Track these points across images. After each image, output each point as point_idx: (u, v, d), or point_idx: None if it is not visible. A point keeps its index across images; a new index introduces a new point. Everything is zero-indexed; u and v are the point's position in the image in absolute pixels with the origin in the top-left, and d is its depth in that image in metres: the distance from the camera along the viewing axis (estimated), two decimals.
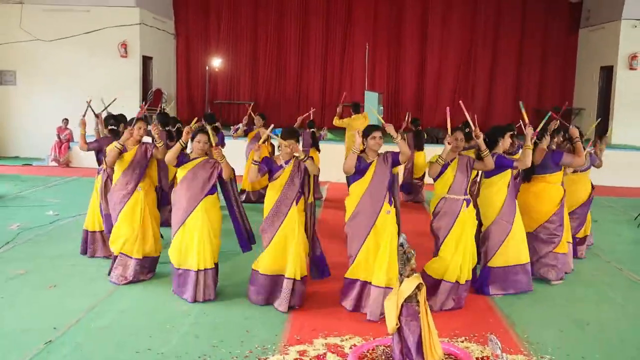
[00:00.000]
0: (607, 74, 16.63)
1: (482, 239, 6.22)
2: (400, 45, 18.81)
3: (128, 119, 7.21)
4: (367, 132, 5.53)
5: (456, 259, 5.70)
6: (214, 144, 5.72)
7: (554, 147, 6.73)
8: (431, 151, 10.24)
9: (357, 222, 5.50)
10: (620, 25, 15.74)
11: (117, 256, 6.26)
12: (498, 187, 6.10)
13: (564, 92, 18.77)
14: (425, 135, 12.34)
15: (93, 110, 7.58)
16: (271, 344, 4.84)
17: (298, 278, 5.56)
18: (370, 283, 5.46)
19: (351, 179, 5.61)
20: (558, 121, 7.21)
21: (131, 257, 6.21)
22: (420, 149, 10.99)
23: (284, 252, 5.58)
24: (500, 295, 6.07)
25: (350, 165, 5.45)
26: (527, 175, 6.61)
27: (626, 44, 15.75)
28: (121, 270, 6.21)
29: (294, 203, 5.57)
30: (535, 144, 6.32)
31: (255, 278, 5.72)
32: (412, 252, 4.16)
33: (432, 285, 5.70)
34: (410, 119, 11.25)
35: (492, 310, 5.75)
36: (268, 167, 5.64)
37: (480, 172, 6.36)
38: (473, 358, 4.48)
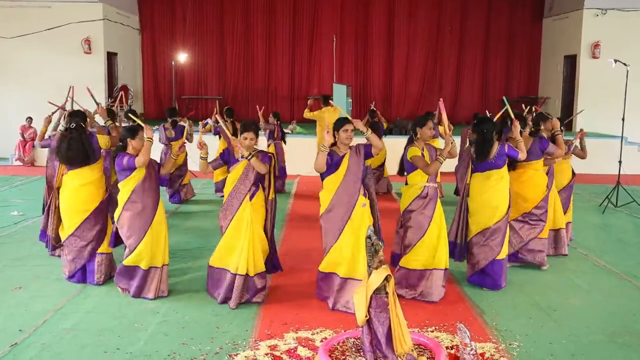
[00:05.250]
0: (571, 62, 16.86)
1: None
2: (367, 37, 18.83)
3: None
4: (339, 125, 5.45)
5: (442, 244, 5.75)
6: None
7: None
8: (398, 142, 10.27)
9: (332, 216, 5.42)
10: (583, 14, 15.96)
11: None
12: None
13: (530, 81, 19.04)
14: (385, 126, 12.34)
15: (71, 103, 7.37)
16: (242, 340, 4.81)
17: (251, 274, 5.50)
18: (351, 279, 5.36)
19: (325, 172, 5.50)
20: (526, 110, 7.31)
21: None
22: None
23: (233, 247, 5.53)
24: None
25: (321, 163, 5.36)
26: (512, 164, 6.54)
27: (589, 33, 15.99)
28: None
29: (247, 198, 5.51)
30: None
31: (209, 271, 5.75)
32: (380, 244, 4.18)
33: (420, 276, 5.72)
34: (369, 111, 11.55)
35: (461, 300, 5.80)
36: (224, 159, 5.64)
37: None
38: (443, 347, 4.51)
